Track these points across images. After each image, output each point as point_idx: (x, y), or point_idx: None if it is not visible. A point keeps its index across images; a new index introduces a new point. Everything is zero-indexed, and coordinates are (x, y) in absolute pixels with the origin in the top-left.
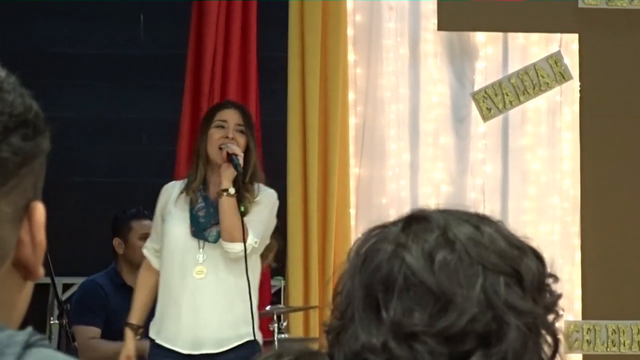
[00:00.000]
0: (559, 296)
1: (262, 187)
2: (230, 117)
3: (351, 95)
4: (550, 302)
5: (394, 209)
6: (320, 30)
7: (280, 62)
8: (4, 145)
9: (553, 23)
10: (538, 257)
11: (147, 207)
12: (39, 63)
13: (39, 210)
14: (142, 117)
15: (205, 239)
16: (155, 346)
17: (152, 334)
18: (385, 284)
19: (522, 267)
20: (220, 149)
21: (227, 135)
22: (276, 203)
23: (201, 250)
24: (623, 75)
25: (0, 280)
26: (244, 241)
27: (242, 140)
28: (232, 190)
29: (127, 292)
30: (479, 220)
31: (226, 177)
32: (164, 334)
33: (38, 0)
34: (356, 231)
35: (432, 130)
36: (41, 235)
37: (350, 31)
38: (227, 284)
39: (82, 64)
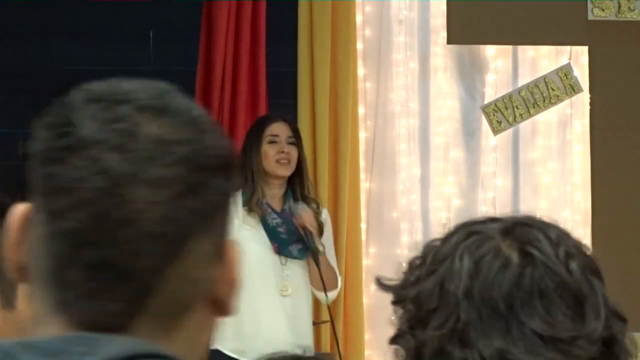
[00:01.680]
0: None
1: (315, 201)
2: (281, 130)
3: (361, 110)
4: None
5: (405, 223)
6: (329, 45)
7: (289, 77)
8: (210, 186)
9: (563, 35)
10: None
11: None
12: (53, 81)
13: (233, 248)
14: None
15: (289, 256)
16: None
17: (229, 351)
18: (519, 288)
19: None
20: (278, 162)
21: (283, 149)
22: None
23: (284, 266)
24: (633, 87)
25: (195, 318)
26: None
27: (294, 152)
28: (322, 248)
29: None
30: (559, 227)
31: (317, 240)
32: (249, 353)
33: (52, 19)
34: (367, 246)
35: (443, 144)
36: (236, 273)
37: (359, 45)
38: (307, 302)
39: (90, 82)
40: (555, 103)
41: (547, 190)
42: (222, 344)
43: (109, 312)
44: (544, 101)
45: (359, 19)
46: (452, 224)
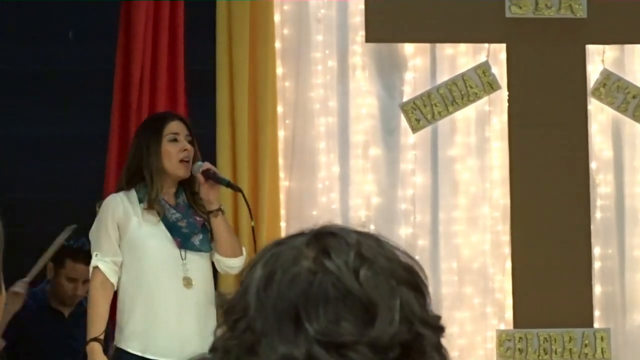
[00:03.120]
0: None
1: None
2: (180, 128)
3: (280, 108)
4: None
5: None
6: (248, 43)
7: (208, 76)
8: None
9: (480, 33)
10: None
11: (76, 223)
12: None
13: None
14: (70, 133)
15: (193, 248)
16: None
17: (133, 349)
18: (306, 295)
19: (420, 282)
20: (181, 161)
21: (185, 148)
22: None
23: (185, 260)
24: (551, 84)
25: None
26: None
27: (192, 151)
28: (224, 208)
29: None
30: (374, 235)
31: (214, 196)
32: (153, 349)
33: None
34: None
35: (362, 142)
36: None
37: (278, 44)
38: (210, 294)
39: (10, 80)
40: (474, 100)
41: (466, 187)
42: (126, 343)
43: None
44: (462, 99)
45: (277, 17)
46: (372, 221)
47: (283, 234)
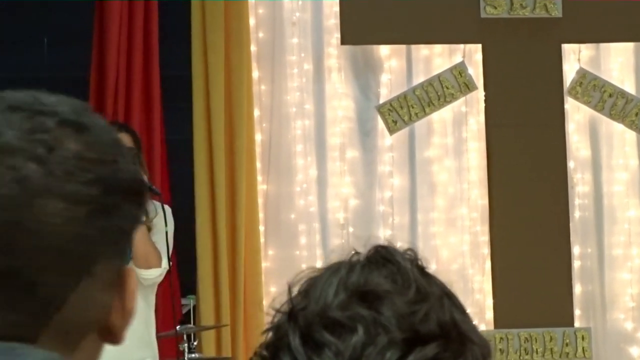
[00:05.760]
0: None
1: (156, 203)
2: (126, 141)
3: (256, 112)
4: None
5: (303, 225)
6: (223, 48)
7: (184, 81)
8: (123, 210)
9: (456, 34)
10: None
11: None
12: None
13: (132, 276)
14: None
15: None
16: None
17: None
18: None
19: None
20: None
21: None
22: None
23: None
24: (527, 84)
25: (90, 342)
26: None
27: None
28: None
29: None
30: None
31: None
32: None
33: None
34: (265, 248)
35: (339, 145)
36: (132, 302)
37: (253, 48)
38: (141, 310)
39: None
40: (450, 101)
41: (444, 188)
42: None
43: (10, 324)
44: (438, 100)
45: (252, 21)
46: (351, 224)
47: (262, 238)
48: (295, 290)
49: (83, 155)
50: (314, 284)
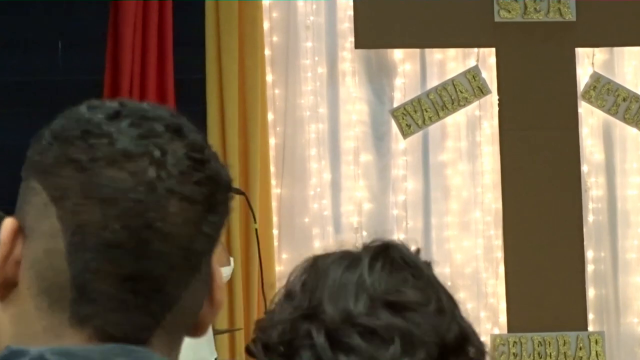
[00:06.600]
0: None
1: None
2: None
3: (270, 116)
4: None
5: (317, 229)
6: (237, 52)
7: (198, 85)
8: (226, 205)
9: (470, 38)
10: None
11: None
12: None
13: (219, 272)
14: None
15: None
16: None
17: None
18: None
19: None
20: None
21: None
22: None
23: None
24: (541, 88)
25: (180, 340)
26: None
27: None
28: None
29: None
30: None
31: None
32: None
33: None
34: (279, 251)
35: (353, 149)
36: (221, 294)
37: (267, 51)
38: None
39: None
40: (464, 105)
41: (458, 192)
42: None
43: (135, 325)
44: (452, 103)
45: (266, 25)
46: (364, 228)
47: (275, 242)
48: (295, 277)
49: (190, 156)
50: (322, 277)
